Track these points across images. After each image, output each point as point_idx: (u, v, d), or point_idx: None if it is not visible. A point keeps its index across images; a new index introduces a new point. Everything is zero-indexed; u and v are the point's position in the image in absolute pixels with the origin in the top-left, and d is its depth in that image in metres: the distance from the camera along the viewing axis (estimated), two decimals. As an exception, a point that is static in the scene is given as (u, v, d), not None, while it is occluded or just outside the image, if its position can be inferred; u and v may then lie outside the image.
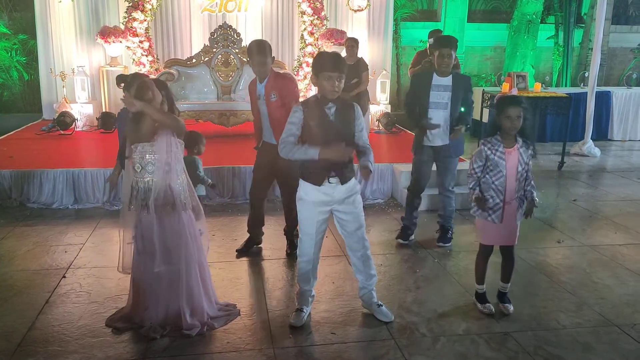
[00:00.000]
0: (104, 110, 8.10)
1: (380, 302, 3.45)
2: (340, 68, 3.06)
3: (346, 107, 3.20)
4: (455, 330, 3.28)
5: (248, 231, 4.48)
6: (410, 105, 4.51)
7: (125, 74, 3.50)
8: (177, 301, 3.17)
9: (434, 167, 4.61)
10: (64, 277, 3.90)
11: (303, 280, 3.39)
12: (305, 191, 3.22)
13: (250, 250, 4.44)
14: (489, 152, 3.29)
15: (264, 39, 8.70)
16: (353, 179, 3.26)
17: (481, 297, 3.56)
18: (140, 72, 7.97)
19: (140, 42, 8.09)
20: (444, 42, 4.32)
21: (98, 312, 3.40)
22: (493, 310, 3.48)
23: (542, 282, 3.94)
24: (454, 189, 4.61)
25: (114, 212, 5.28)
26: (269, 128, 4.11)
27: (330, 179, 3.14)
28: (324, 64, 3.07)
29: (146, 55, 8.13)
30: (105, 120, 7.70)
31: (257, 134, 4.32)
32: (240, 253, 4.39)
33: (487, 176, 3.34)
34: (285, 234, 4.47)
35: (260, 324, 3.31)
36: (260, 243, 4.53)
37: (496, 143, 3.29)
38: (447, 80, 4.30)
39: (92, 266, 4.09)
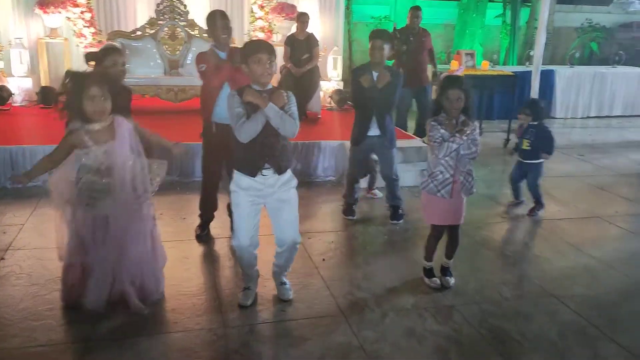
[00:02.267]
0: (43, 84, 7.74)
1: (284, 280, 3.41)
2: (270, 50, 2.95)
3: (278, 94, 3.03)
4: (404, 305, 3.35)
5: (202, 216, 4.37)
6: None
7: (94, 50, 3.39)
8: (125, 281, 3.11)
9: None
10: (3, 259, 3.75)
11: (244, 265, 3.30)
12: (238, 183, 3.09)
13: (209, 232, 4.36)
14: (438, 126, 3.34)
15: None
16: (289, 172, 3.16)
17: (429, 272, 3.64)
18: (87, 46, 7.67)
19: (82, 12, 7.72)
20: (376, 34, 4.34)
21: (39, 295, 3.29)
22: (439, 283, 3.57)
23: (486, 256, 4.06)
24: (397, 175, 4.67)
25: (25, 183, 5.07)
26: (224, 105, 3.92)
27: (264, 170, 3.04)
28: (253, 46, 2.98)
29: (88, 27, 7.78)
30: (46, 95, 7.36)
31: (207, 114, 4.02)
32: (201, 238, 4.28)
33: (435, 152, 3.39)
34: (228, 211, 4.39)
35: (210, 303, 3.28)
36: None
37: (442, 121, 3.35)
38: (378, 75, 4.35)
39: (32, 247, 3.94)
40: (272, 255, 3.42)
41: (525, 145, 4.92)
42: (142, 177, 3.10)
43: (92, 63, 3.52)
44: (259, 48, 2.95)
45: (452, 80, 3.40)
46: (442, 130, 3.33)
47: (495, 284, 3.65)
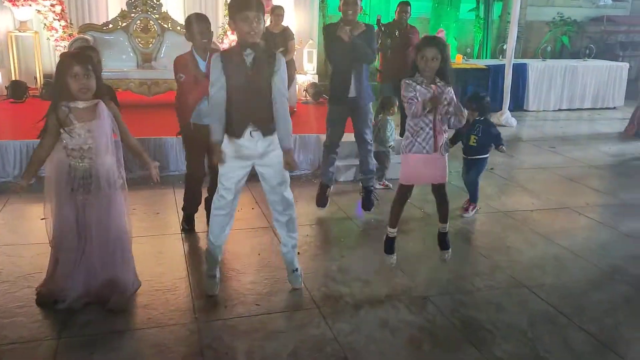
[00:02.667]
0: (13, 78, 7.58)
1: (296, 267, 3.45)
2: (257, 7, 2.91)
3: (266, 55, 3.05)
4: (378, 297, 3.38)
5: (186, 210, 4.32)
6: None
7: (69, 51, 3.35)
8: (102, 275, 3.11)
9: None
10: (-28, 256, 3.68)
11: (216, 236, 3.27)
12: (226, 144, 3.11)
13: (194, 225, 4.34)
14: (413, 83, 3.31)
15: (185, 4, 8.45)
16: (276, 137, 3.16)
17: (389, 244, 3.63)
18: (58, 39, 7.53)
19: (52, 5, 7.58)
20: None
21: (10, 292, 3.23)
22: (394, 262, 3.61)
23: (459, 247, 4.10)
24: (372, 141, 4.64)
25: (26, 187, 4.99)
26: (202, 109, 3.90)
27: (252, 132, 3.06)
28: (241, 3, 2.91)
29: (58, 20, 7.63)
30: (15, 89, 7.21)
31: (187, 115, 3.98)
32: (188, 232, 4.25)
33: (412, 109, 3.32)
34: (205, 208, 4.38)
35: (184, 299, 3.27)
36: None
37: (418, 79, 3.32)
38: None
39: (2, 244, 3.87)
40: (253, 250, 3.44)
41: (473, 141, 4.72)
42: (117, 166, 3.10)
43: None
44: (247, 6, 2.88)
45: (429, 39, 3.37)
46: (418, 87, 3.29)
47: (468, 275, 3.70)
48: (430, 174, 3.50)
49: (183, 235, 4.20)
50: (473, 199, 4.85)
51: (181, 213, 4.41)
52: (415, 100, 3.29)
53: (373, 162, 4.73)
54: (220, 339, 2.89)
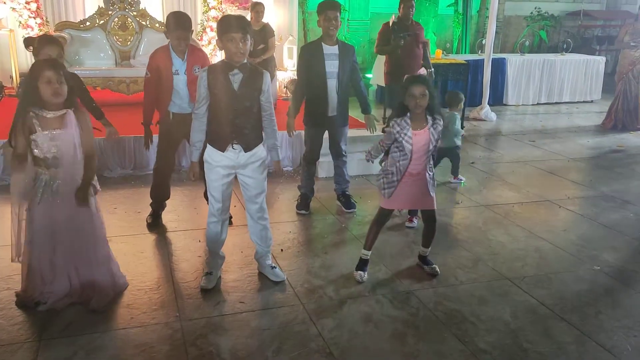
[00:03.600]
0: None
1: (274, 264, 3.55)
2: (244, 28, 3.00)
3: (254, 75, 3.14)
4: (361, 292, 3.38)
5: (153, 206, 4.33)
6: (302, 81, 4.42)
7: (32, 36, 3.31)
8: (82, 276, 3.09)
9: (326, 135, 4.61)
10: (-52, 259, 3.61)
11: (212, 241, 3.40)
12: (210, 155, 3.22)
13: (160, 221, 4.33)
14: (397, 135, 3.30)
15: (163, 1, 8.35)
16: (260, 146, 3.27)
17: (363, 264, 3.59)
18: (40, 34, 7.38)
19: (27, 3, 7.44)
20: (329, 5, 4.20)
21: (-13, 296, 3.18)
22: (364, 279, 3.51)
23: (442, 241, 4.12)
24: (347, 154, 4.66)
25: (3, 187, 4.92)
26: (186, 99, 3.95)
27: (234, 145, 3.16)
28: (227, 25, 3.01)
29: (34, 18, 7.50)
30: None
31: (162, 108, 4.05)
32: (152, 227, 4.25)
33: (394, 154, 3.39)
34: (205, 198, 4.37)
35: (167, 297, 3.24)
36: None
37: (405, 126, 3.28)
38: (335, 49, 4.28)
39: (-21, 247, 3.80)
40: (236, 248, 3.41)
41: None
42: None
43: (31, 48, 3.46)
44: (232, 27, 2.99)
45: (415, 77, 3.37)
46: (405, 131, 3.28)
47: (450, 268, 3.73)
48: (412, 199, 3.48)
49: (166, 234, 4.16)
50: (416, 211, 4.40)
51: (164, 212, 4.39)
52: (383, 149, 3.44)
53: (348, 173, 4.74)
54: (204, 337, 2.87)
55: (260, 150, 3.28)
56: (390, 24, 6.44)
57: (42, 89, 2.81)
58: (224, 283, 3.43)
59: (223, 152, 3.17)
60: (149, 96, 4.08)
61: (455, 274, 3.65)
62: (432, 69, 6.91)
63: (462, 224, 4.56)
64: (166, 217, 4.41)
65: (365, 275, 3.55)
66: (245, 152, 3.19)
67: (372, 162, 3.61)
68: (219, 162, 3.20)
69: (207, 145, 3.24)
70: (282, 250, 3.94)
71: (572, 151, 7.04)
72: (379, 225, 3.59)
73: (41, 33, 7.44)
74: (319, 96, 4.33)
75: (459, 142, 5.45)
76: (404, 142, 3.29)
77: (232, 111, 3.08)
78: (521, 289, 3.48)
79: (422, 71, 6.47)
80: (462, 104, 5.63)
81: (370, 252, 3.60)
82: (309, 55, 4.32)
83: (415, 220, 4.35)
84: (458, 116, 5.49)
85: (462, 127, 5.70)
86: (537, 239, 4.26)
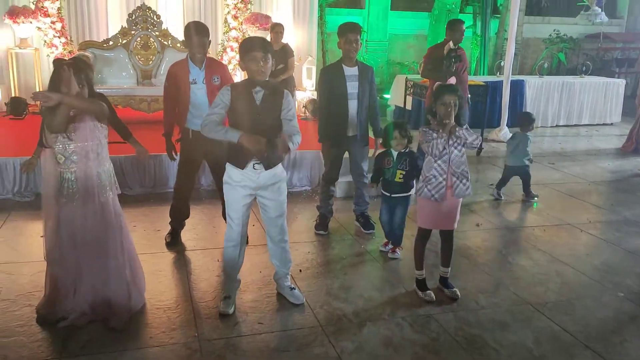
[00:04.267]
0: (13, 95, 7.58)
1: (293, 286, 3.51)
2: (265, 48, 3.05)
3: (275, 93, 3.17)
4: (381, 315, 3.35)
5: (172, 224, 4.35)
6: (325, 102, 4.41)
7: (63, 58, 3.41)
8: (103, 292, 3.09)
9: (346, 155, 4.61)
10: (-29, 274, 3.65)
11: (230, 266, 3.37)
12: (230, 175, 3.22)
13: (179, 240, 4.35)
14: (429, 135, 3.35)
15: (185, 22, 8.47)
16: (280, 166, 3.28)
17: (421, 284, 3.60)
18: (59, 56, 7.53)
19: (52, 22, 7.61)
20: (350, 28, 4.25)
21: (10, 311, 3.20)
22: (434, 297, 3.52)
23: (462, 264, 4.08)
24: (367, 175, 4.64)
25: (25, 204, 4.98)
26: (201, 112, 3.96)
27: (255, 165, 3.15)
28: (248, 46, 3.07)
29: (59, 37, 7.67)
30: (15, 106, 7.22)
31: (182, 122, 4.09)
32: (170, 246, 4.26)
33: (429, 157, 3.42)
34: (224, 218, 4.36)
35: (185, 317, 3.23)
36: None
37: (435, 129, 3.38)
38: (355, 70, 4.32)
39: (2, 261, 3.83)
40: (254, 268, 3.40)
41: (399, 177, 4.11)
42: (105, 177, 3.10)
43: None
44: (253, 46, 3.05)
45: (448, 87, 3.46)
46: (435, 136, 3.35)
47: (471, 292, 3.68)
48: (441, 220, 3.52)
49: (185, 252, 4.17)
50: (399, 242, 4.26)
51: (183, 230, 4.40)
52: (435, 139, 3.36)
53: (367, 195, 4.73)
54: (222, 358, 2.86)
55: (280, 170, 3.28)
56: (446, 50, 6.07)
57: (64, 92, 2.86)
58: (242, 303, 3.41)
59: (242, 169, 3.15)
60: (167, 106, 4.15)
61: (476, 298, 3.60)
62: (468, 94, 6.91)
63: (482, 247, 4.51)
64: (185, 235, 4.42)
65: (432, 292, 3.54)
66: (266, 169, 3.17)
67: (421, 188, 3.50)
68: (240, 182, 3.19)
69: (227, 165, 3.25)
70: (300, 270, 3.92)
71: (593, 174, 6.96)
72: (422, 243, 3.61)
73: (65, 52, 7.60)
74: (340, 116, 4.34)
75: (528, 162, 5.64)
76: (438, 141, 3.34)
77: (253, 126, 3.06)
78: (544, 314, 3.42)
79: (452, 80, 6.39)
80: (534, 125, 5.81)
81: (424, 270, 3.61)
82: (330, 77, 4.35)
83: (398, 251, 4.24)
84: (530, 137, 5.67)
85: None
86: (559, 264, 4.19)
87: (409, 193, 4.21)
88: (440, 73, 6.07)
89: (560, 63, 12.85)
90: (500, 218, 5.18)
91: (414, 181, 4.07)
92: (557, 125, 10.22)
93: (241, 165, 3.16)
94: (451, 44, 6.05)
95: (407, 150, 4.16)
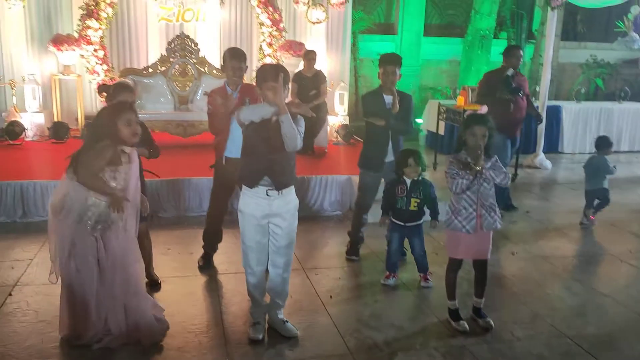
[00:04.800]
0: (55, 119, 7.85)
1: (286, 319, 3.42)
2: (283, 78, 3.03)
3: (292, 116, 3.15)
4: (413, 344, 3.29)
5: (205, 248, 4.39)
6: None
7: (107, 84, 3.53)
8: (134, 315, 3.14)
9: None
10: (10, 294, 3.74)
11: (253, 292, 3.34)
12: (245, 203, 3.21)
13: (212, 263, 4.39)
14: (454, 171, 3.33)
15: (221, 50, 8.67)
16: (292, 191, 3.26)
17: (455, 314, 3.54)
18: (105, 81, 7.79)
19: (95, 50, 7.89)
20: (388, 59, 4.33)
21: (46, 332, 3.26)
22: (467, 328, 3.45)
23: (497, 294, 4.00)
24: None
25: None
26: (237, 140, 4.03)
27: (268, 191, 3.13)
28: (263, 75, 3.09)
29: (101, 64, 7.94)
30: (57, 130, 7.47)
31: (220, 149, 4.11)
32: (203, 269, 4.31)
33: (452, 187, 3.37)
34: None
35: (217, 341, 3.25)
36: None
37: (464, 157, 3.36)
38: (391, 99, 4.34)
39: (40, 283, 3.93)
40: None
41: (414, 205, 4.08)
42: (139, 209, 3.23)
43: (104, 94, 3.62)
44: (269, 76, 3.04)
45: (479, 117, 3.42)
46: (459, 173, 3.32)
47: (506, 323, 3.59)
48: (473, 250, 3.48)
49: (217, 276, 4.20)
50: (425, 269, 4.20)
51: (215, 254, 4.45)
52: (459, 176, 3.32)
53: None
54: (252, 384, 2.85)
55: (292, 197, 3.26)
56: (505, 76, 5.84)
57: (122, 130, 2.97)
58: (273, 329, 3.40)
59: (251, 188, 3.14)
60: (214, 130, 4.17)
61: (512, 329, 3.51)
62: (540, 119, 6.79)
63: (517, 276, 4.41)
64: (217, 259, 4.46)
65: (465, 323, 3.47)
66: (277, 190, 3.14)
67: (450, 220, 3.47)
68: (253, 211, 3.17)
69: (241, 193, 3.23)
70: (331, 297, 3.90)
71: (633, 202, 6.76)
72: (454, 273, 3.55)
73: (107, 79, 7.86)
74: (380, 143, 4.39)
75: (607, 184, 5.63)
76: (460, 185, 3.31)
77: (267, 146, 3.08)
78: (582, 348, 3.31)
79: (484, 109, 6.27)
80: (612, 148, 5.83)
81: (457, 300, 3.54)
82: (372, 103, 4.40)
83: (429, 277, 4.18)
84: (608, 160, 5.66)
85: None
86: (598, 295, 4.07)
87: (421, 221, 4.16)
88: (494, 99, 5.86)
89: (597, 88, 12.62)
90: (537, 246, 5.06)
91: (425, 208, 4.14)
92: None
93: (252, 183, 3.14)
94: (512, 70, 5.88)
95: (420, 178, 4.11)
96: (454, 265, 3.56)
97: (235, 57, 4.00)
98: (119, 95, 3.58)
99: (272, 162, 3.12)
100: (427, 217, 4.22)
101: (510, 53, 6.00)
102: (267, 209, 3.17)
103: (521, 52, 6.01)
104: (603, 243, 5.21)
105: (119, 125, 2.97)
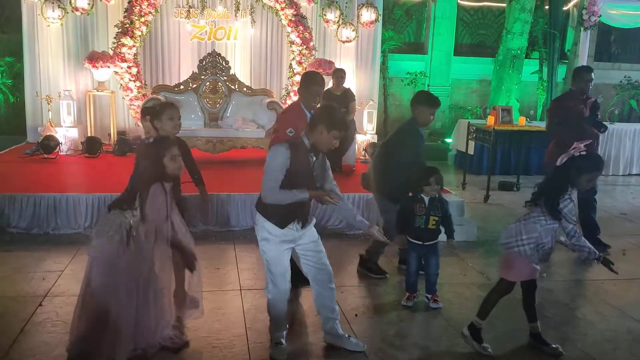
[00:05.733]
0: (89, 134, 8.05)
1: (347, 334, 3.41)
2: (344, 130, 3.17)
3: (323, 157, 3.29)
4: (438, 366, 3.25)
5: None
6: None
7: (150, 105, 3.64)
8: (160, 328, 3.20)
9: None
10: (41, 305, 3.82)
11: (279, 315, 3.33)
12: (269, 231, 3.20)
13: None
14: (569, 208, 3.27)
15: (252, 67, 8.82)
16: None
17: (478, 334, 3.44)
18: (132, 99, 7.98)
19: (129, 67, 8.09)
20: (433, 102, 4.28)
21: (74, 342, 3.31)
22: (492, 352, 3.38)
23: (526, 317, 3.91)
24: None
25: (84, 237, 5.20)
26: None
27: (296, 227, 3.21)
28: (333, 123, 3.10)
29: (134, 81, 8.13)
30: (90, 145, 7.65)
31: None
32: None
33: (552, 225, 3.31)
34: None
35: (241, 357, 3.25)
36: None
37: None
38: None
39: (70, 294, 4.00)
40: (310, 310, 3.38)
41: (432, 223, 4.01)
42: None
43: (148, 117, 3.68)
44: (339, 129, 3.13)
45: (599, 163, 3.38)
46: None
47: (535, 347, 3.50)
48: (529, 272, 3.46)
49: (242, 291, 4.22)
50: (435, 289, 4.11)
51: (241, 269, 4.47)
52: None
53: None
54: (275, 401, 2.83)
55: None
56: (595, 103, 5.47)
57: (167, 164, 3.07)
58: (296, 347, 3.39)
59: (281, 228, 3.18)
60: None
61: (541, 354, 3.42)
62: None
63: (547, 299, 4.31)
64: (242, 274, 4.48)
65: (489, 347, 3.39)
66: (302, 228, 3.24)
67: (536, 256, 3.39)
68: (279, 236, 3.20)
69: (263, 221, 3.22)
70: (356, 315, 3.87)
71: (669, 226, 6.57)
72: (502, 297, 3.48)
73: (139, 95, 8.04)
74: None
75: None
76: (568, 218, 3.25)
77: (309, 186, 3.17)
78: (614, 375, 3.21)
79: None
80: None
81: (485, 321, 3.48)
82: (415, 139, 4.37)
83: (415, 298, 4.11)
84: None
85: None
86: (629, 320, 3.95)
87: (438, 239, 4.10)
88: (571, 127, 5.27)
89: (631, 110, 12.39)
90: (567, 269, 4.95)
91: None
92: (629, 174, 9.79)
93: (282, 224, 3.17)
94: (596, 98, 5.36)
95: (437, 196, 4.04)
96: (508, 289, 3.48)
97: (320, 83, 4.11)
98: (166, 111, 3.59)
99: (302, 205, 3.19)
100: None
101: (579, 76, 5.39)
102: (293, 235, 3.22)
103: (591, 75, 5.35)
104: (636, 267, 5.06)
105: (165, 160, 3.06)
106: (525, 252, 3.31)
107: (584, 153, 3.26)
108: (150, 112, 3.62)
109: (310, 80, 4.11)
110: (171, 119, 3.59)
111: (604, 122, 5.45)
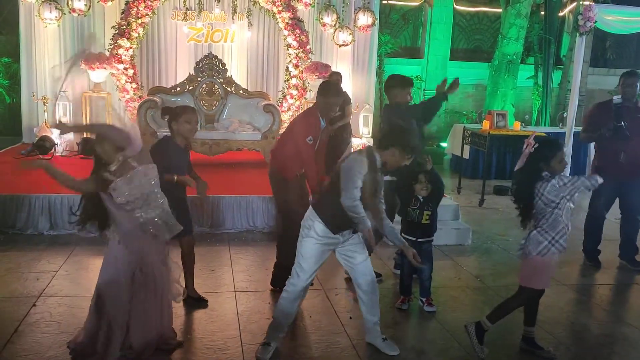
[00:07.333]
0: (84, 136, 8.02)
1: (384, 337, 3.42)
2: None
3: (382, 174, 3.32)
4: (432, 369, 3.24)
5: (282, 265, 4.29)
6: None
7: (170, 106, 3.73)
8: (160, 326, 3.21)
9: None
10: (35, 305, 3.80)
11: (285, 316, 3.30)
12: (317, 232, 3.19)
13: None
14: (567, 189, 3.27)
15: (249, 69, 8.83)
16: None
17: (482, 334, 3.39)
18: (129, 100, 7.96)
19: (125, 69, 8.08)
20: (408, 82, 4.41)
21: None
22: (487, 353, 3.37)
23: (521, 321, 3.89)
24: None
25: (89, 239, 5.18)
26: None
27: (347, 233, 3.25)
28: (410, 148, 3.17)
29: (130, 82, 8.12)
30: (86, 146, 7.62)
31: (296, 171, 4.15)
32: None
33: (557, 210, 3.28)
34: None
35: (234, 359, 3.24)
36: None
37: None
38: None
39: (64, 295, 3.99)
40: (304, 312, 3.36)
41: (426, 218, 3.98)
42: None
43: (167, 117, 3.75)
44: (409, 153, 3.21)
45: (557, 143, 3.37)
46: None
47: (529, 350, 3.51)
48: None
49: (236, 293, 4.21)
50: (429, 292, 4.09)
51: (236, 271, 4.46)
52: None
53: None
54: (269, 403, 2.83)
55: None
56: (614, 106, 5.01)
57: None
58: (290, 349, 3.38)
59: (335, 234, 3.19)
60: (315, 165, 4.13)
61: (535, 358, 3.43)
62: None
63: (542, 303, 4.26)
64: (237, 276, 4.47)
65: (485, 348, 3.38)
66: (354, 232, 3.28)
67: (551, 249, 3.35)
68: (325, 238, 3.19)
69: (318, 220, 3.18)
70: (350, 317, 3.87)
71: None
72: (519, 306, 3.47)
73: (135, 96, 8.03)
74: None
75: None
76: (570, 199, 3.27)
77: (372, 198, 3.18)
78: (608, 379, 3.22)
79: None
80: None
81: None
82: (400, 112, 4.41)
83: (409, 301, 4.10)
84: None
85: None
86: (624, 325, 3.96)
87: (432, 238, 4.07)
88: (597, 134, 5.10)
89: (627, 115, 12.47)
90: (563, 274, 4.95)
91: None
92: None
93: (336, 231, 3.19)
94: (617, 98, 5.03)
95: (431, 168, 4.03)
96: (537, 296, 3.47)
97: (338, 95, 4.12)
98: (184, 115, 3.68)
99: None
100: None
101: (621, 81, 5.10)
102: (337, 240, 3.25)
103: (635, 79, 5.01)
104: (632, 272, 5.07)
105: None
106: (562, 246, 3.30)
107: (536, 145, 3.26)
108: (169, 112, 3.71)
109: (330, 92, 4.07)
110: (188, 122, 3.69)
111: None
